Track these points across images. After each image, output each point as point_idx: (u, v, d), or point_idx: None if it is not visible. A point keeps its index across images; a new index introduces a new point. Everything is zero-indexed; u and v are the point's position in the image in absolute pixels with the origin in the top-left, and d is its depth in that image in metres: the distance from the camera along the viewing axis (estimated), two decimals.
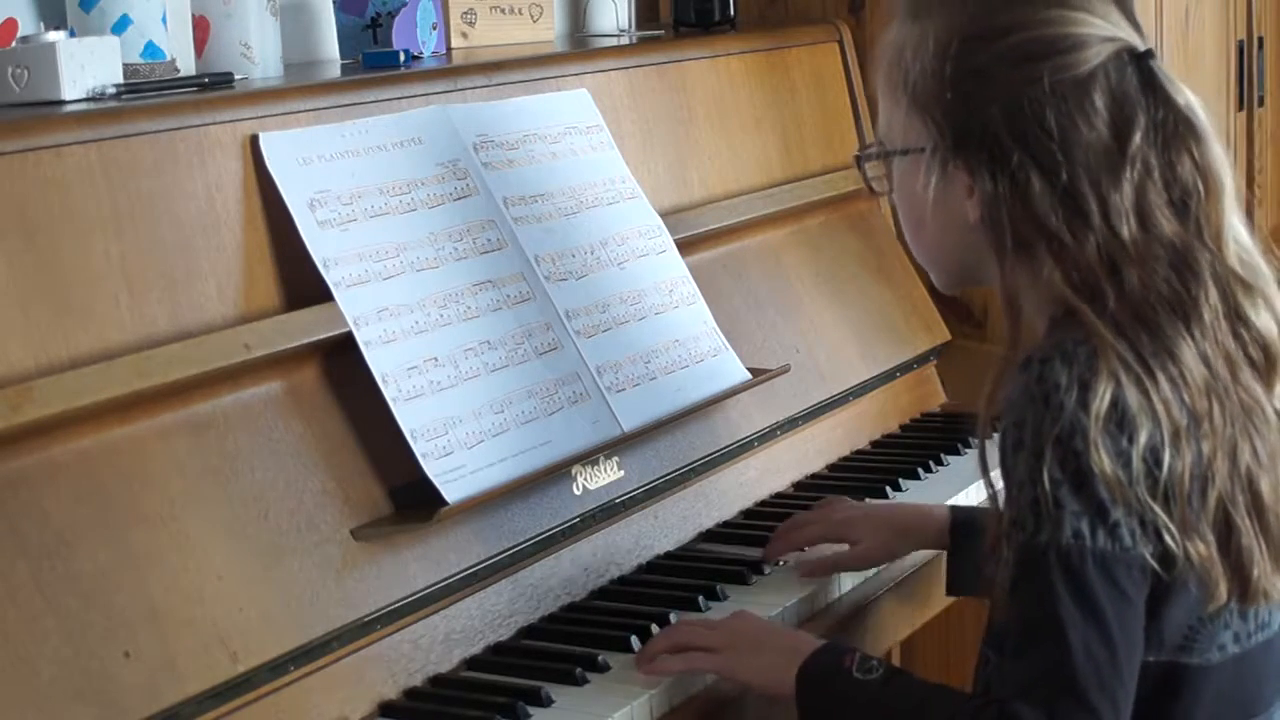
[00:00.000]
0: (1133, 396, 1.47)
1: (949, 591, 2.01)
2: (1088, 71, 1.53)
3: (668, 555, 2.13)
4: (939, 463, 2.47)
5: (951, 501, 2.32)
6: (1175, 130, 1.54)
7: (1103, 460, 1.45)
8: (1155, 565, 1.48)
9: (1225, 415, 1.50)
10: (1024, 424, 1.49)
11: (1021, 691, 1.48)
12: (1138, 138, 1.53)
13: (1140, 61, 1.55)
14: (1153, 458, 1.47)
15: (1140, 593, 1.49)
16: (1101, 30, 1.55)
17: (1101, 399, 1.46)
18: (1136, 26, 1.58)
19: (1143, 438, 1.46)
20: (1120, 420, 1.46)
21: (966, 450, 2.53)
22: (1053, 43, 1.54)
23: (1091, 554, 1.46)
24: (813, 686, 1.66)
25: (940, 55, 1.57)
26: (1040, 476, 1.47)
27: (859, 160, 1.72)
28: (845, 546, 2.05)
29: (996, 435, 1.56)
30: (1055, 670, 1.46)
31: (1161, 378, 1.48)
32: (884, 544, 2.03)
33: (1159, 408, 1.47)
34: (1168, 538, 1.47)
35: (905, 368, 2.71)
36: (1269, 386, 1.56)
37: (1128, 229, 1.52)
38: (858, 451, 2.55)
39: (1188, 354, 1.50)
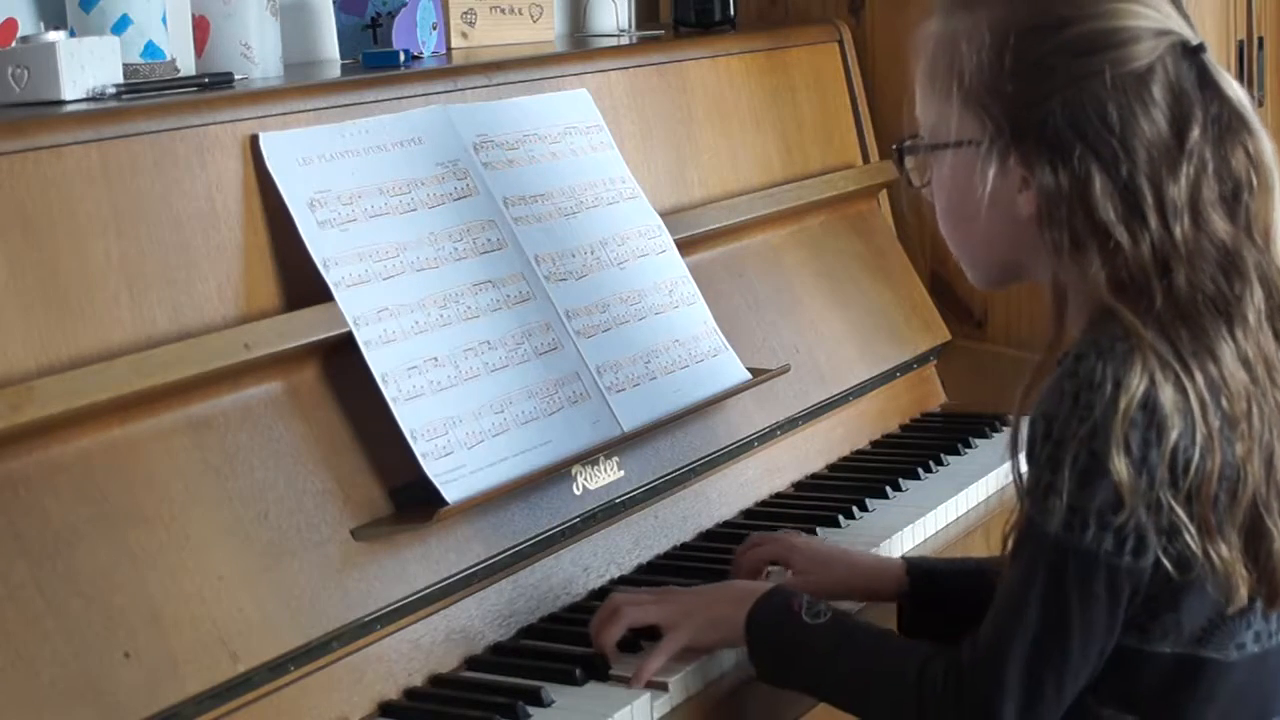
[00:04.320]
0: (1167, 396, 1.46)
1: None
2: (1146, 65, 1.52)
3: (667, 555, 2.13)
4: (939, 463, 2.47)
5: (952, 500, 2.33)
6: (1229, 124, 1.54)
7: (1120, 465, 1.45)
8: (1169, 566, 1.48)
9: (1263, 420, 1.50)
10: (1054, 417, 1.49)
11: (979, 646, 1.53)
12: (1196, 131, 1.52)
13: (1193, 55, 1.54)
14: (1181, 458, 1.47)
15: (1116, 597, 1.49)
16: (1156, 23, 1.54)
17: (1132, 398, 1.46)
18: (1187, 19, 1.57)
19: (1172, 436, 1.46)
20: (1150, 420, 1.46)
21: (966, 450, 2.53)
22: (1110, 35, 1.53)
23: (1075, 552, 1.48)
24: (763, 631, 1.69)
25: (998, 47, 1.55)
26: (1056, 466, 1.48)
27: (898, 152, 1.69)
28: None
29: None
30: (1007, 639, 1.51)
31: (1200, 377, 1.48)
32: (830, 584, 1.89)
33: (1195, 407, 1.47)
34: (1187, 537, 1.47)
35: (905, 368, 2.71)
36: None
37: (1180, 227, 1.51)
38: (858, 451, 2.55)
39: (1228, 356, 1.50)
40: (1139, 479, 1.46)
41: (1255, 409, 1.50)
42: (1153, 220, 1.51)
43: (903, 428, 2.67)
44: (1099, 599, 1.49)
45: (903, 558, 1.96)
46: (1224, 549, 1.48)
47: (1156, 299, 1.50)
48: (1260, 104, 3.42)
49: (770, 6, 3.08)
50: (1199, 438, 1.47)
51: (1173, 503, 1.47)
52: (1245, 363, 1.51)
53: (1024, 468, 1.56)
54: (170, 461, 1.66)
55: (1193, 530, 1.47)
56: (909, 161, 1.69)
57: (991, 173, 1.57)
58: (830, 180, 2.71)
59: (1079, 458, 1.47)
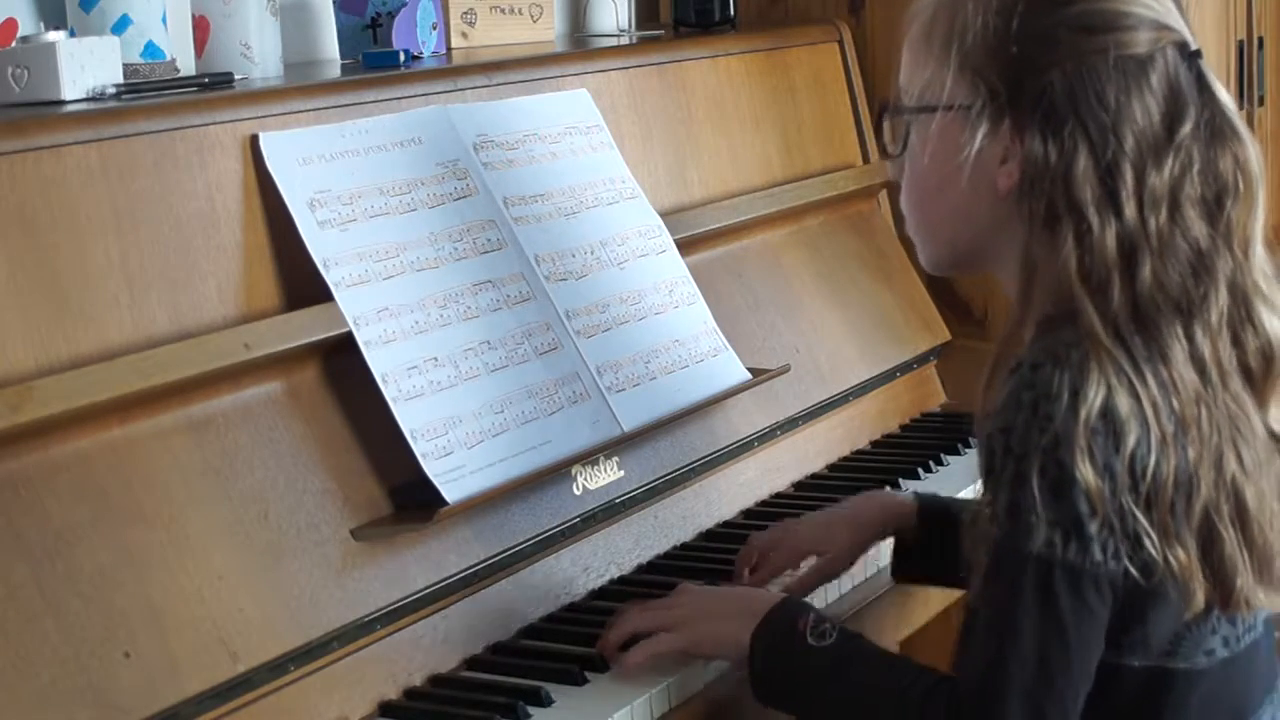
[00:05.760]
0: (1123, 401, 1.46)
1: (895, 573, 2.00)
2: (1147, 53, 1.53)
3: (667, 555, 2.14)
4: (939, 463, 2.47)
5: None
6: (1221, 129, 1.54)
7: (1087, 471, 1.45)
8: (1135, 573, 1.48)
9: (1212, 423, 1.50)
10: (1012, 430, 1.48)
11: (973, 679, 1.51)
12: (1187, 128, 1.52)
13: (1192, 59, 1.55)
14: (1139, 463, 1.46)
15: (1105, 604, 1.49)
16: (1160, 16, 1.55)
17: (1091, 406, 1.45)
18: (1188, 25, 1.58)
19: (1130, 441, 1.46)
20: (1110, 427, 1.46)
21: (966, 450, 2.53)
22: (1117, 17, 1.53)
23: (1061, 565, 1.47)
24: (767, 653, 1.67)
25: (1005, 14, 1.55)
26: (1022, 483, 1.47)
27: (881, 113, 1.68)
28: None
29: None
30: (1005, 668, 1.48)
31: (1152, 381, 1.48)
32: (846, 546, 1.98)
33: (1148, 411, 1.47)
34: (1148, 543, 1.47)
35: (905, 368, 2.71)
36: (1262, 396, 1.55)
37: (1156, 218, 1.51)
38: (858, 451, 2.55)
39: (1180, 357, 1.50)
40: (1104, 485, 1.46)
41: (1204, 412, 1.50)
42: (1128, 207, 1.50)
43: (903, 428, 2.67)
44: (1091, 609, 1.48)
45: (914, 494, 1.99)
46: (1181, 554, 1.48)
47: (1114, 291, 1.50)
48: (1260, 103, 3.42)
49: (770, 6, 3.08)
50: (1154, 442, 1.46)
51: (1134, 508, 1.46)
52: (1199, 364, 1.50)
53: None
54: (170, 461, 1.66)
55: (1154, 536, 1.47)
56: (887, 127, 1.67)
57: (980, 135, 1.56)
58: (830, 180, 2.71)
59: (1046, 469, 1.46)
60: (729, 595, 1.82)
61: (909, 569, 2.00)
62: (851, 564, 2.02)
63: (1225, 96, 1.57)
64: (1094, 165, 1.51)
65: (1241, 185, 1.54)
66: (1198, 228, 1.52)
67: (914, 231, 1.68)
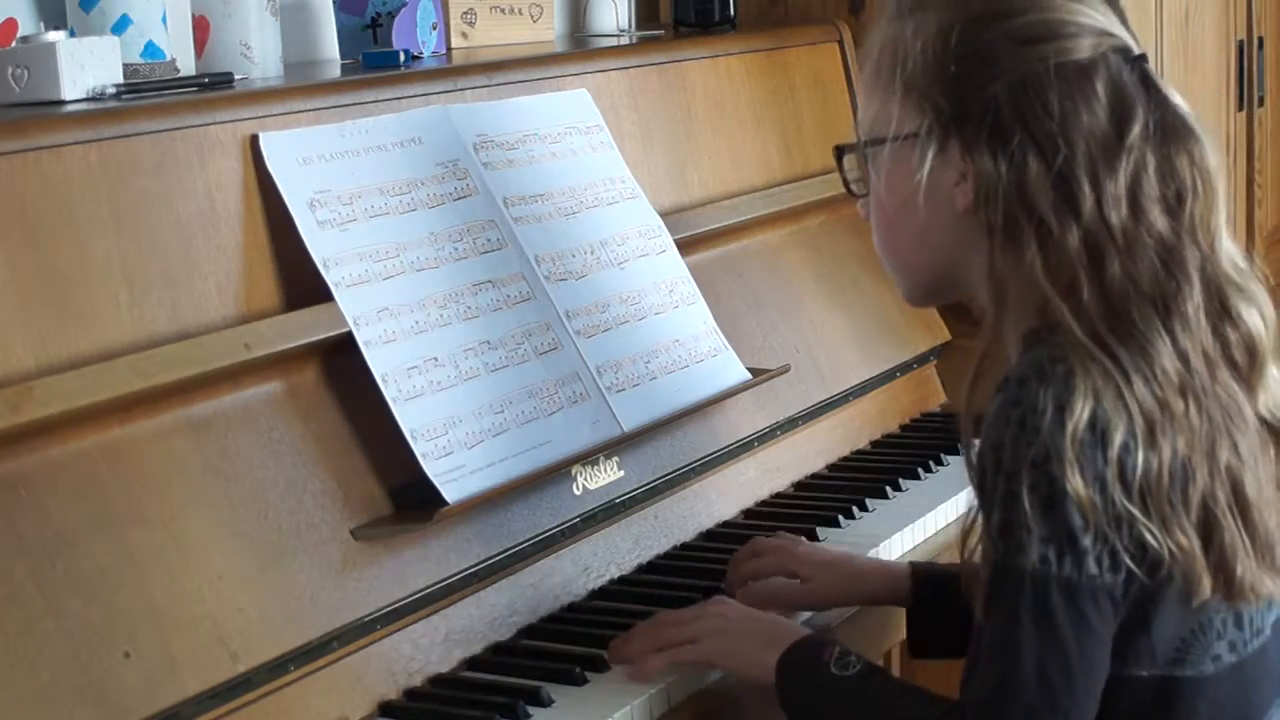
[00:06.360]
0: (1108, 401, 1.46)
1: (914, 653, 1.94)
2: (1089, 59, 1.54)
3: (667, 555, 2.13)
4: (939, 463, 2.47)
5: (952, 500, 2.33)
6: (1174, 128, 1.55)
7: (1078, 484, 1.44)
8: (1141, 574, 1.47)
9: (1201, 412, 1.49)
10: (1001, 446, 1.48)
11: (977, 704, 1.50)
12: (1136, 129, 1.53)
13: (1136, 63, 1.56)
14: (1128, 461, 1.46)
15: (1105, 619, 1.48)
16: (1099, 24, 1.56)
17: (1079, 420, 1.45)
18: (1131, 33, 1.59)
19: (1118, 438, 1.45)
20: (1097, 436, 1.45)
21: None
22: (1056, 27, 1.54)
23: (1057, 581, 1.46)
24: (792, 679, 1.68)
25: (944, 35, 1.56)
26: (1013, 500, 1.47)
27: (839, 154, 1.70)
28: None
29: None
30: (1008, 690, 1.48)
31: (1136, 377, 1.48)
32: (837, 588, 1.95)
33: (1132, 405, 1.47)
34: (1150, 538, 1.46)
35: (905, 368, 2.71)
36: (1250, 386, 1.55)
37: (1117, 216, 1.51)
38: (858, 451, 2.55)
39: (1163, 350, 1.49)
40: (1096, 494, 1.45)
41: (1191, 403, 1.49)
42: (1086, 208, 1.51)
43: (903, 428, 2.67)
44: (1090, 623, 1.47)
45: (909, 563, 1.96)
46: (1184, 539, 1.47)
47: (1084, 289, 1.50)
48: (1260, 104, 3.42)
49: (770, 6, 3.08)
50: (1140, 436, 1.46)
51: (1129, 506, 1.46)
52: (1182, 357, 1.50)
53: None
54: (170, 461, 1.66)
55: (1154, 529, 1.46)
56: (849, 169, 1.69)
57: (930, 157, 1.57)
58: (830, 180, 2.69)
59: (1037, 485, 1.46)
60: (758, 617, 1.81)
61: (920, 646, 1.93)
62: (822, 609, 1.96)
63: (1177, 98, 1.57)
64: (1046, 172, 1.52)
65: (1200, 183, 1.55)
66: (1161, 223, 1.53)
67: (889, 268, 1.70)
